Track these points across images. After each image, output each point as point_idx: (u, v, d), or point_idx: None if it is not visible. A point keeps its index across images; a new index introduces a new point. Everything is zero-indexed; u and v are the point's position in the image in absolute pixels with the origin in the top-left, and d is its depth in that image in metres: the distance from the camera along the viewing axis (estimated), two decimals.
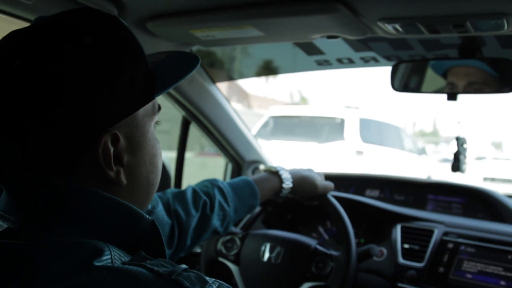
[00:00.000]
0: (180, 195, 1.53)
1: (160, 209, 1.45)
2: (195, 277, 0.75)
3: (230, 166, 2.67)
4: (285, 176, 1.76)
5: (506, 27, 1.33)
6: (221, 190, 1.61)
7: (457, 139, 1.79)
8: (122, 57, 0.84)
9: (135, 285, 0.71)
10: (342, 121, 9.48)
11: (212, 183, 1.62)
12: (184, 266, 0.78)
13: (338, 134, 9.39)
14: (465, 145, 1.79)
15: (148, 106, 0.92)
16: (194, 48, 1.94)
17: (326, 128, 9.73)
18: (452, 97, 1.67)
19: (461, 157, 1.78)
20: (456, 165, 1.79)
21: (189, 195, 1.54)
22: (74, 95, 0.79)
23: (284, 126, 10.08)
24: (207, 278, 0.77)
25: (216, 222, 1.57)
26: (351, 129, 9.39)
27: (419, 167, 10.88)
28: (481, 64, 1.65)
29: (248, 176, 2.61)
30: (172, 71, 0.95)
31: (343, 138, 9.31)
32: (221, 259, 1.97)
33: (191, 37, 1.65)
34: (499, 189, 2.35)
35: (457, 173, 1.82)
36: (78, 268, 0.71)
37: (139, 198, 0.95)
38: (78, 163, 0.83)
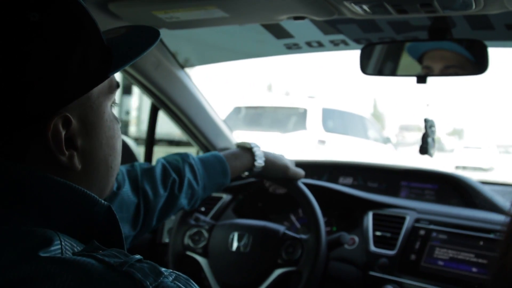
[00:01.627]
0: (149, 172, 1.48)
1: (127, 189, 1.40)
2: (149, 268, 0.71)
3: (201, 154, 2.62)
4: (258, 153, 1.73)
5: (474, 6, 1.29)
6: (191, 167, 1.57)
7: (425, 121, 1.74)
8: (73, 33, 0.79)
9: (83, 277, 0.67)
10: (305, 111, 9.60)
11: (183, 158, 1.58)
12: (138, 256, 0.74)
13: (301, 124, 9.49)
14: (433, 128, 1.75)
15: (104, 85, 0.87)
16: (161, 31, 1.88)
17: (289, 118, 9.83)
18: (421, 80, 1.63)
19: (429, 139, 1.74)
20: (424, 148, 1.74)
21: (158, 172, 1.49)
22: (19, 75, 0.74)
23: (249, 117, 10.20)
24: (163, 269, 0.73)
25: (183, 201, 1.54)
26: (314, 119, 9.49)
27: (383, 156, 10.98)
28: (457, 47, 1.62)
29: None
30: (130, 47, 0.90)
31: (305, 128, 9.41)
32: (189, 253, 1.91)
33: (154, 19, 1.59)
34: (471, 176, 2.34)
35: (425, 156, 1.78)
36: (22, 259, 0.67)
37: (97, 182, 0.90)
38: (27, 148, 0.79)
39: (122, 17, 1.61)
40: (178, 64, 2.15)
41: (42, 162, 0.80)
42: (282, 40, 1.90)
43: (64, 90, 0.78)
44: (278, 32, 1.84)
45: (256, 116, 10.21)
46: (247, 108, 10.47)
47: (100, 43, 0.83)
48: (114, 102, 0.93)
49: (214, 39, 2.08)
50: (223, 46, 2.16)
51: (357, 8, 1.39)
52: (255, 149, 1.73)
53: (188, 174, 1.54)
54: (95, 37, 0.83)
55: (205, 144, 2.51)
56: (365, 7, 1.37)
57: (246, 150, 1.74)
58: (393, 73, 1.75)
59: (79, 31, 0.80)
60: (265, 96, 11.08)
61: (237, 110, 10.40)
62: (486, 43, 1.52)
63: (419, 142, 1.77)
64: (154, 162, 2.40)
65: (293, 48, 1.96)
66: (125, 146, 2.32)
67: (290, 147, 8.70)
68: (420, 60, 1.70)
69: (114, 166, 0.94)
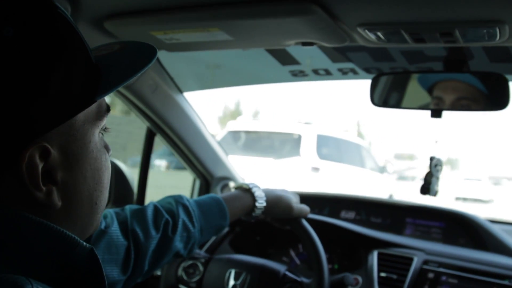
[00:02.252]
0: (140, 213, 1.37)
1: (115, 228, 1.29)
2: None
3: (198, 182, 2.51)
4: (258, 194, 1.61)
5: (498, 37, 1.20)
6: (186, 208, 1.44)
7: (431, 159, 1.63)
8: (53, 50, 0.70)
9: None
10: (299, 137, 9.52)
11: (177, 200, 1.46)
12: None
13: (295, 150, 9.42)
14: (439, 167, 1.64)
15: (91, 110, 0.79)
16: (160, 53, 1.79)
17: (283, 144, 9.79)
18: (436, 114, 1.53)
19: (433, 179, 1.62)
20: (426, 188, 1.63)
21: (149, 213, 1.37)
22: None
23: (242, 141, 10.15)
24: None
25: (178, 244, 1.41)
26: (308, 145, 9.42)
27: (379, 185, 11.08)
28: (471, 78, 1.52)
29: (217, 193, 2.47)
30: (123, 67, 0.81)
31: (299, 154, 9.34)
32: (181, 287, 1.80)
33: (153, 40, 1.50)
34: (471, 209, 2.25)
35: (427, 196, 1.67)
36: None
37: (80, 221, 0.81)
38: (0, 181, 0.70)
39: (118, 37, 1.51)
40: (177, 88, 2.05)
41: (16, 198, 0.71)
42: (288, 66, 1.81)
43: (41, 116, 0.69)
44: (284, 58, 1.75)
45: (250, 140, 10.17)
46: (241, 132, 10.34)
47: (86, 61, 0.75)
48: (104, 129, 0.84)
49: (214, 64, 1.99)
50: (224, 71, 2.06)
51: (371, 36, 1.30)
52: (254, 190, 1.61)
53: (182, 216, 1.42)
54: (80, 55, 0.74)
55: (202, 171, 2.41)
56: (380, 34, 1.28)
57: (245, 191, 1.62)
58: (400, 104, 1.65)
59: (61, 48, 0.71)
60: (259, 122, 10.87)
61: (231, 134, 10.32)
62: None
63: (419, 179, 1.66)
64: (148, 189, 2.32)
65: (299, 75, 1.87)
66: (118, 172, 2.22)
67: (283, 173, 8.89)
68: (430, 90, 1.61)
69: (100, 202, 0.85)
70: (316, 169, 9.32)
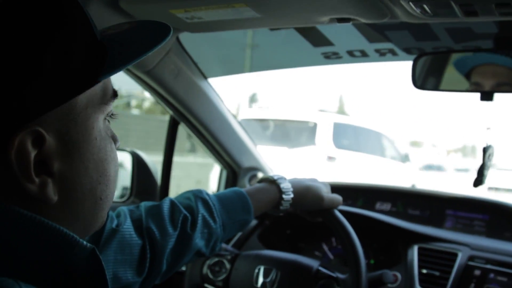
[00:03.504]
0: (155, 210, 1.26)
1: (128, 226, 1.18)
2: None
3: (224, 174, 2.40)
4: (285, 186, 1.48)
5: None
6: (206, 203, 1.32)
7: (484, 149, 1.48)
8: (51, 21, 0.62)
9: None
10: (315, 125, 9.26)
11: (196, 194, 1.34)
12: None
13: (310, 139, 9.20)
14: (492, 157, 1.50)
15: (95, 92, 0.70)
16: (182, 36, 1.67)
17: (298, 133, 9.55)
18: (486, 96, 1.39)
19: (486, 171, 1.48)
20: (479, 181, 1.49)
21: (165, 209, 1.26)
22: None
23: (255, 129, 9.71)
24: None
25: (199, 242, 1.29)
26: (324, 134, 9.18)
27: (401, 175, 10.80)
28: (510, 61, 1.38)
29: (245, 185, 2.36)
30: (132, 46, 0.73)
31: (314, 143, 9.12)
32: (207, 286, 1.69)
33: (173, 19, 1.38)
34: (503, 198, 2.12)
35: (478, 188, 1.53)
36: None
37: (82, 218, 0.73)
38: None
39: (135, 16, 1.39)
40: (201, 74, 1.93)
41: (7, 191, 0.64)
42: (320, 48, 1.68)
43: (34, 95, 0.60)
44: (316, 39, 1.62)
45: (263, 129, 9.94)
46: (255, 120, 10.03)
47: (89, 37, 0.66)
48: (110, 115, 0.75)
49: (241, 47, 1.87)
50: (251, 56, 1.94)
51: (416, 9, 1.16)
52: (279, 181, 1.48)
53: (202, 211, 1.30)
54: (82, 29, 0.65)
55: (229, 162, 2.30)
56: (426, 7, 1.14)
57: (271, 183, 1.49)
58: (444, 87, 1.51)
59: (60, 19, 0.62)
60: (273, 109, 10.67)
61: (244, 122, 9.75)
62: None
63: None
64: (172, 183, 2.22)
65: (332, 57, 1.74)
66: (141, 163, 2.13)
67: (298, 163, 8.63)
68: (468, 76, 1.47)
69: (105, 197, 0.76)
70: (332, 159, 9.10)
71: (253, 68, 2.03)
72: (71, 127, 0.67)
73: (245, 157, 2.32)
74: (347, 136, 9.77)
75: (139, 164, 2.13)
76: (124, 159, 2.15)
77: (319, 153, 9.01)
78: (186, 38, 1.75)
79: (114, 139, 0.78)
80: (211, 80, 1.99)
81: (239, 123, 2.23)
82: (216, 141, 2.14)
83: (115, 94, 0.75)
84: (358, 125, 10.34)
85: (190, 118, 2.01)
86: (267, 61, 1.98)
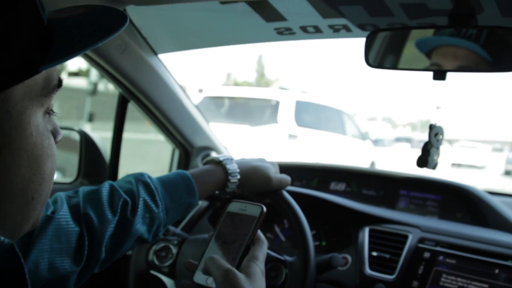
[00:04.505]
0: (93, 195, 1.19)
1: (64, 213, 1.11)
2: None
3: (177, 153, 2.34)
4: (231, 167, 1.43)
5: None
6: (147, 186, 1.27)
7: (431, 127, 1.44)
8: None
9: None
10: (277, 103, 9.23)
11: (137, 178, 1.28)
12: None
13: (272, 117, 9.16)
14: (440, 136, 1.45)
15: (36, 82, 0.64)
16: (128, 8, 1.59)
17: (260, 111, 9.49)
18: (439, 75, 1.35)
19: (432, 150, 1.43)
20: (424, 160, 1.43)
21: (104, 194, 1.20)
22: None
23: (218, 107, 9.84)
24: None
25: (140, 227, 1.23)
26: (286, 112, 9.17)
27: (361, 153, 11.11)
28: (473, 45, 1.34)
29: (198, 164, 2.30)
30: (82, 33, 0.67)
31: (276, 121, 9.09)
32: (153, 272, 1.64)
33: None
34: (465, 174, 2.13)
35: (424, 169, 1.49)
36: None
37: (10, 218, 0.68)
38: None
39: None
40: (151, 49, 1.86)
41: None
42: (273, 23, 1.62)
43: None
44: (268, 13, 1.56)
45: (226, 107, 9.89)
46: (218, 98, 10.04)
47: (34, 20, 0.59)
48: (51, 109, 0.69)
49: (193, 21, 1.79)
50: (203, 30, 1.86)
51: None
52: (225, 162, 1.43)
53: (143, 194, 1.24)
54: (25, 10, 0.59)
55: (181, 141, 2.24)
56: None
57: (217, 164, 1.44)
58: (402, 66, 1.47)
59: None
60: (237, 87, 10.68)
61: (207, 100, 9.96)
62: None
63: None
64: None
65: (285, 33, 1.68)
66: (89, 142, 2.05)
67: (260, 141, 8.71)
68: (429, 55, 1.43)
69: (38, 196, 0.70)
70: (293, 137, 9.11)
71: (204, 44, 1.97)
72: (4, 119, 0.61)
73: (197, 136, 2.27)
74: (309, 114, 9.79)
75: (87, 144, 2.05)
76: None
77: (281, 131, 9.00)
78: (135, 11, 1.67)
79: (56, 132, 0.72)
80: (162, 56, 1.92)
81: (191, 101, 2.16)
82: (167, 120, 2.07)
83: (59, 85, 0.68)
84: (320, 103, 10.39)
85: (139, 96, 1.93)
86: (219, 37, 1.92)
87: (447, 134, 1.58)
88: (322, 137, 9.77)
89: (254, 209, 1.08)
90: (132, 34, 1.75)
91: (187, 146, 2.27)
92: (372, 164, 11.94)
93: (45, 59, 0.62)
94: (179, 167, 2.35)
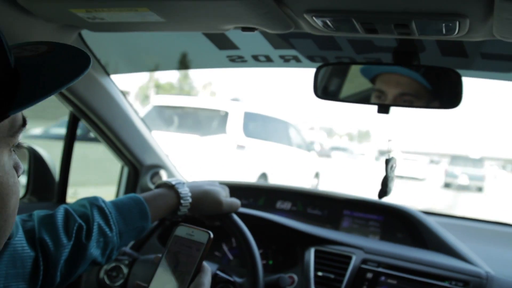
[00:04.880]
0: (48, 219, 1.20)
1: (20, 238, 1.12)
2: None
3: (126, 171, 2.35)
4: (183, 191, 1.47)
5: (456, 31, 1.10)
6: (101, 211, 1.29)
7: (387, 161, 1.54)
8: None
9: None
10: (226, 114, 9.45)
11: (91, 202, 1.30)
12: None
13: (221, 127, 9.37)
14: (394, 167, 1.56)
15: (2, 124, 0.65)
16: (83, 31, 1.61)
17: (209, 121, 9.69)
18: (383, 109, 1.43)
19: (390, 183, 1.54)
20: (384, 191, 1.55)
21: (59, 218, 1.21)
22: None
23: (167, 117, 10.00)
24: None
25: (94, 251, 1.25)
26: (235, 123, 9.40)
27: (306, 162, 11.63)
28: (414, 74, 1.43)
29: (147, 182, 2.32)
30: (48, 76, 0.67)
31: (225, 131, 9.30)
32: None
33: (74, 18, 1.32)
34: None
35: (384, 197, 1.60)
36: None
37: None
38: None
39: (35, 13, 1.32)
40: (103, 70, 1.87)
41: None
42: (225, 51, 1.67)
43: None
44: (221, 42, 1.60)
45: (175, 116, 10.01)
46: (167, 107, 10.17)
47: (3, 65, 0.61)
48: (16, 146, 0.70)
49: (146, 45, 1.82)
50: (154, 54, 1.90)
51: (319, 23, 1.17)
52: (178, 186, 1.47)
53: (97, 219, 1.27)
54: None
55: (130, 159, 2.25)
56: (328, 22, 1.16)
57: (169, 188, 1.48)
58: (348, 98, 1.55)
59: None
60: (186, 97, 10.82)
61: (156, 109, 10.11)
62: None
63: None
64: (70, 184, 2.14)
65: (237, 61, 1.73)
66: (38, 159, 2.04)
67: (208, 151, 8.93)
68: (373, 81, 1.51)
69: (3, 232, 0.72)
70: (241, 147, 9.34)
71: (157, 68, 1.99)
72: None
73: (147, 155, 2.28)
74: (257, 125, 10.09)
75: (36, 161, 2.04)
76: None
77: (229, 142, 9.20)
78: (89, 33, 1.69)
79: (17, 168, 0.73)
80: (115, 77, 1.93)
81: (143, 121, 2.18)
82: (117, 138, 2.08)
83: (24, 124, 0.70)
84: (267, 114, 10.62)
85: (90, 115, 1.94)
86: (172, 61, 1.95)
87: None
88: (269, 147, 10.05)
89: (201, 236, 1.10)
90: None
91: (136, 164, 2.29)
92: (317, 174, 12.29)
93: (13, 104, 0.62)
94: (127, 184, 2.36)
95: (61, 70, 0.70)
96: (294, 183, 9.56)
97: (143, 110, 10.24)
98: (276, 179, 10.14)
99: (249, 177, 9.31)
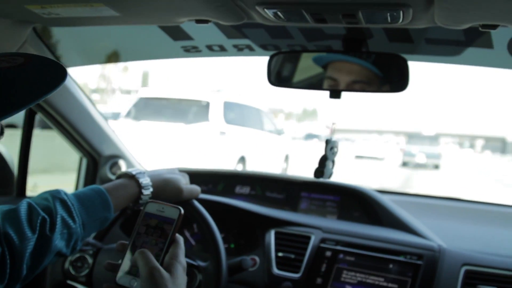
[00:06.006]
0: (12, 213, 1.22)
1: None
2: None
3: (85, 162, 2.36)
4: (144, 181, 1.49)
5: (401, 19, 1.16)
6: (64, 203, 1.31)
7: (327, 141, 1.60)
8: None
9: None
10: (208, 104, 10.43)
11: (54, 195, 1.32)
12: None
13: (204, 116, 10.32)
14: (335, 149, 1.61)
15: None
16: (38, 26, 1.61)
17: (193, 110, 10.58)
18: (335, 94, 1.49)
19: (328, 162, 1.59)
20: (320, 171, 1.60)
21: (23, 212, 1.23)
22: None
23: (154, 107, 10.82)
24: None
25: (59, 243, 1.27)
26: (216, 111, 10.38)
27: (277, 146, 12.80)
28: (365, 62, 1.49)
29: (106, 172, 2.33)
30: (26, 87, 0.70)
31: (208, 119, 10.26)
32: (70, 282, 1.67)
33: (28, 14, 1.33)
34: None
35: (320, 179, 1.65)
36: None
37: None
38: None
39: None
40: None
41: None
42: (180, 42, 1.69)
43: None
44: (175, 33, 1.63)
45: (161, 107, 10.82)
46: (152, 99, 11.01)
47: None
48: None
49: (100, 37, 1.83)
50: (110, 46, 1.91)
51: (270, 14, 1.22)
52: (138, 176, 1.49)
53: (60, 211, 1.29)
54: None
55: (88, 150, 2.26)
56: (279, 13, 1.20)
57: (130, 178, 1.50)
58: (297, 84, 1.60)
59: None
60: (169, 89, 11.86)
61: (142, 100, 10.95)
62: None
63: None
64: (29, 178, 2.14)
65: (191, 51, 1.76)
66: None
67: (194, 137, 9.93)
68: (325, 68, 1.57)
69: None
70: (223, 133, 10.31)
71: (111, 59, 2.01)
72: None
73: (105, 145, 2.30)
74: (235, 113, 11.04)
75: None
76: None
77: (212, 128, 10.16)
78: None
79: None
80: (71, 70, 1.94)
81: (99, 112, 2.19)
82: (75, 130, 2.09)
83: (1, 132, 0.72)
84: (243, 103, 11.74)
85: (47, 108, 1.94)
86: (126, 52, 1.97)
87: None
88: (245, 132, 11.16)
89: (172, 212, 1.12)
90: (41, 50, 1.76)
91: (94, 155, 2.30)
92: (287, 157, 13.40)
93: None
94: (87, 175, 2.37)
95: (36, 83, 0.72)
96: (269, 166, 11.81)
97: (130, 102, 11.19)
98: (253, 162, 11.21)
99: (230, 161, 10.36)
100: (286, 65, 1.58)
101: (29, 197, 1.34)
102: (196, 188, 1.64)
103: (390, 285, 1.63)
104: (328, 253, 1.76)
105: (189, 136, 9.94)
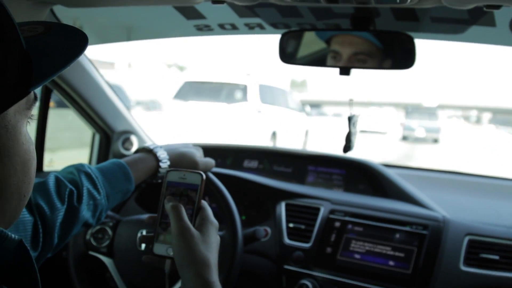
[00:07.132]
0: (42, 186, 1.28)
1: None
2: None
3: (97, 137, 2.42)
4: (161, 154, 1.57)
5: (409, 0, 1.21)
6: (89, 176, 1.38)
7: (349, 118, 1.68)
8: None
9: None
10: (245, 86, 12.01)
11: (78, 168, 1.39)
12: None
13: (243, 97, 11.94)
14: (356, 124, 1.70)
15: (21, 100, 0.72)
16: (57, 9, 1.66)
17: (232, 92, 12.15)
18: (344, 71, 1.55)
19: (353, 138, 1.68)
20: (347, 147, 1.69)
21: (51, 185, 1.29)
22: None
23: (197, 90, 12.38)
24: None
25: (86, 213, 1.35)
26: (253, 93, 11.95)
27: (300, 122, 14.52)
28: (367, 34, 1.55)
29: (119, 147, 2.40)
30: (54, 54, 0.74)
31: (246, 100, 11.85)
32: (92, 253, 1.74)
33: None
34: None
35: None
36: None
37: (8, 215, 0.77)
38: None
39: None
40: None
41: None
42: (192, 21, 1.74)
43: None
44: (188, 12, 1.68)
45: (203, 89, 12.38)
46: (196, 82, 12.65)
47: (19, 48, 0.67)
48: (31, 118, 0.78)
49: (116, 16, 1.88)
50: (124, 24, 1.96)
51: None
52: (156, 150, 1.57)
53: (86, 184, 1.36)
54: (14, 41, 0.66)
55: (102, 126, 2.32)
56: None
57: (148, 152, 1.57)
58: (306, 61, 1.66)
59: None
60: (209, 74, 13.69)
61: (187, 84, 12.62)
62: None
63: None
64: (46, 150, 2.21)
65: (204, 29, 1.81)
66: None
67: (235, 115, 11.51)
68: (328, 42, 1.62)
69: (28, 193, 0.80)
70: (259, 111, 11.86)
71: (126, 38, 2.06)
72: (2, 134, 0.70)
73: (118, 121, 2.36)
74: (268, 94, 12.49)
75: None
76: None
77: (251, 107, 11.74)
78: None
79: (31, 142, 0.82)
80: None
81: (112, 89, 2.25)
82: (89, 107, 2.15)
83: (36, 98, 0.78)
84: (273, 85, 13.25)
85: (63, 85, 2.00)
86: (141, 31, 2.02)
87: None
88: (276, 110, 12.69)
89: (194, 177, 1.13)
90: None
91: (108, 131, 2.36)
92: (306, 132, 15.18)
93: (32, 81, 0.69)
94: (100, 150, 2.43)
95: (63, 49, 0.76)
96: (294, 141, 13.62)
97: (175, 86, 12.92)
98: (282, 137, 12.79)
99: (265, 135, 11.99)
100: (295, 44, 1.63)
101: (55, 171, 1.40)
102: (210, 161, 1.71)
103: (397, 254, 1.71)
104: (337, 224, 1.83)
105: (231, 114, 11.49)
